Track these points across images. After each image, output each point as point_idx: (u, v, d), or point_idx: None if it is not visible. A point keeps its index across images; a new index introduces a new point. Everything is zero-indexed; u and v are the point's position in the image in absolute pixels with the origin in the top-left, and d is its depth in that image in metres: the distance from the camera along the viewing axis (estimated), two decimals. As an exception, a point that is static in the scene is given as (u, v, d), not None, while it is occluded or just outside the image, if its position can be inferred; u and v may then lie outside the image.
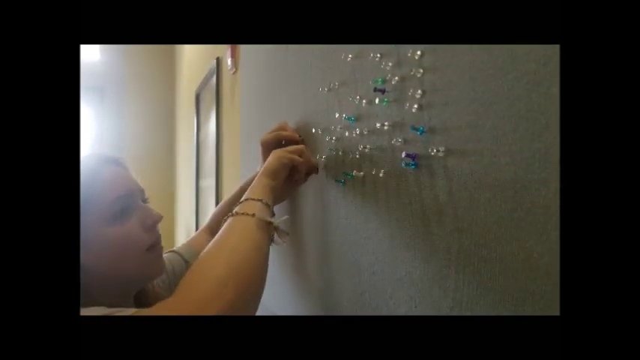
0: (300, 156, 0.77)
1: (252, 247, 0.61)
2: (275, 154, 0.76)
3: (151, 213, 0.65)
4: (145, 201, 0.67)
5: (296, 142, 0.85)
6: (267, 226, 0.64)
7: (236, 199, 0.90)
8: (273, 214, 0.69)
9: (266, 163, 0.76)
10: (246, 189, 0.75)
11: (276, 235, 0.65)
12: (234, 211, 0.66)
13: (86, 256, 0.59)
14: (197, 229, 2.48)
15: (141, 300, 0.68)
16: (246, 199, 0.68)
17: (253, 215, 0.63)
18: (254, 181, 0.73)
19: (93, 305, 0.54)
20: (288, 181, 0.80)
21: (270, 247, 0.65)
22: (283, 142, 0.85)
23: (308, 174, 0.82)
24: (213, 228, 0.93)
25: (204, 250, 0.60)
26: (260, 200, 0.67)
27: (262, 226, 0.63)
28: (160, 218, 0.65)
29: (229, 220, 0.64)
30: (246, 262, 0.58)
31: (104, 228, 0.60)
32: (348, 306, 0.69)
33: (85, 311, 0.52)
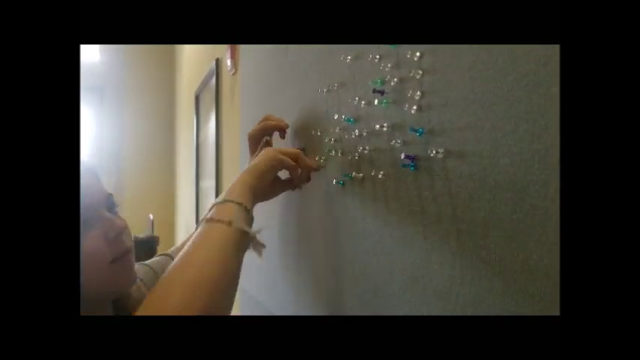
0: (295, 161, 0.74)
1: (226, 258, 0.59)
2: (266, 153, 0.72)
3: (114, 223, 0.59)
4: (112, 207, 0.61)
5: (283, 130, 0.85)
6: (243, 236, 0.62)
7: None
8: (251, 219, 0.66)
9: (255, 160, 0.72)
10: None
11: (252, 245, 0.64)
12: (209, 214, 0.63)
13: None
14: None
15: (120, 305, 0.65)
16: (224, 201, 0.65)
17: (230, 224, 0.61)
18: (237, 178, 0.70)
19: None
20: (279, 182, 0.78)
21: (274, 248, 0.65)
22: (280, 138, 0.84)
23: (303, 180, 0.80)
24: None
25: (176, 260, 0.59)
26: (239, 204, 0.64)
27: (238, 237, 0.61)
28: (123, 228, 0.59)
29: (205, 225, 0.62)
30: (218, 273, 0.57)
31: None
32: (347, 307, 0.69)
33: None
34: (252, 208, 0.67)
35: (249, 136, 0.84)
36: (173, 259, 0.85)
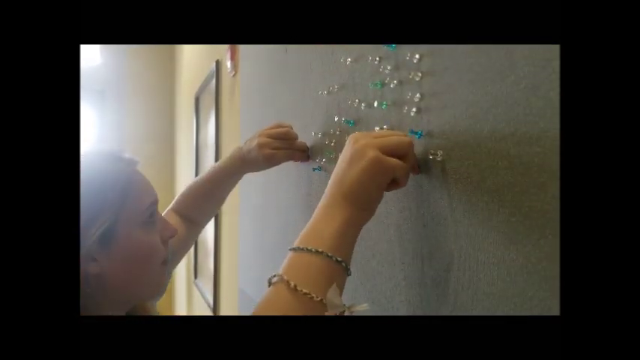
0: (403, 157, 0.49)
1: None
2: (367, 158, 0.46)
3: (169, 226, 0.61)
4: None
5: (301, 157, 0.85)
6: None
7: (209, 183, 0.87)
8: (349, 273, 0.47)
9: (351, 183, 0.47)
10: (225, 171, 0.72)
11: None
12: (282, 270, 0.45)
13: (110, 263, 0.53)
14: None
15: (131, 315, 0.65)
16: (308, 249, 0.45)
17: (321, 301, 0.43)
18: (325, 205, 0.48)
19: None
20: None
21: (273, 248, 0.62)
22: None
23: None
24: (182, 212, 0.90)
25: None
26: (338, 262, 0.45)
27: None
28: (175, 232, 0.61)
29: (281, 293, 0.44)
30: None
31: (136, 231, 0.56)
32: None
33: None
34: (350, 255, 0.48)
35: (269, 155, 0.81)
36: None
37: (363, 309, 0.45)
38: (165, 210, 0.90)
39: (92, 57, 3.22)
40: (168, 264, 0.61)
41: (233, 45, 1.58)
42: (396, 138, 0.48)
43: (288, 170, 0.93)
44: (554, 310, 0.35)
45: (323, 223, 0.47)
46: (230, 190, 0.92)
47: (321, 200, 0.49)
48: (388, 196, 0.58)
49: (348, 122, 0.67)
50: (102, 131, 3.92)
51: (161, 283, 0.60)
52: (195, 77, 2.65)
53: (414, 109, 0.52)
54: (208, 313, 2.05)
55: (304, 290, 0.43)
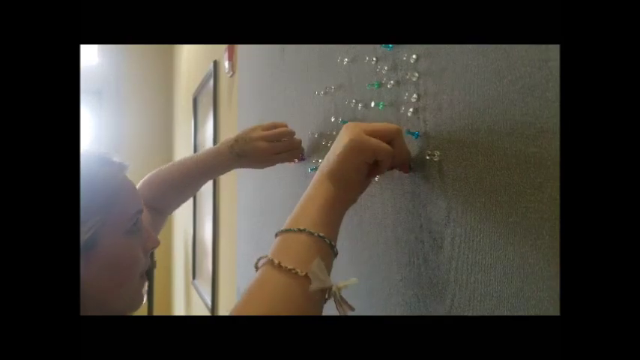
0: (390, 142, 0.49)
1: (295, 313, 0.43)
2: (350, 136, 0.48)
3: (152, 236, 0.58)
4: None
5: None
6: (322, 293, 0.44)
7: (186, 177, 0.82)
8: (335, 254, 0.47)
9: (335, 152, 0.48)
10: (209, 166, 0.71)
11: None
12: (271, 253, 0.45)
13: (89, 269, 0.51)
14: (194, 233, 2.47)
15: None
16: (296, 229, 0.45)
17: (306, 275, 0.42)
18: (310, 185, 0.50)
19: None
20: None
21: (266, 247, 0.59)
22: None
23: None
24: (148, 201, 0.78)
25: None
26: (321, 237, 0.45)
27: (316, 294, 0.43)
28: (158, 244, 0.58)
29: (267, 272, 0.44)
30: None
31: (120, 238, 0.53)
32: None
33: None
34: (336, 235, 0.48)
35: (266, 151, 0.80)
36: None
37: (352, 283, 0.45)
38: None
39: (89, 56, 3.22)
40: (145, 277, 0.58)
41: (231, 45, 1.58)
42: (384, 123, 0.49)
43: (286, 171, 0.92)
44: (552, 310, 0.35)
45: (306, 202, 0.48)
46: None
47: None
48: (385, 197, 0.58)
49: (345, 123, 0.67)
50: (99, 131, 3.91)
51: (139, 295, 0.57)
52: (193, 77, 2.65)
53: (411, 110, 0.52)
54: (206, 313, 2.05)
55: (289, 266, 0.42)
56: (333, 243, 0.46)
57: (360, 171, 0.48)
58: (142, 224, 0.57)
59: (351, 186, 0.48)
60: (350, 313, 0.46)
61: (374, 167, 0.49)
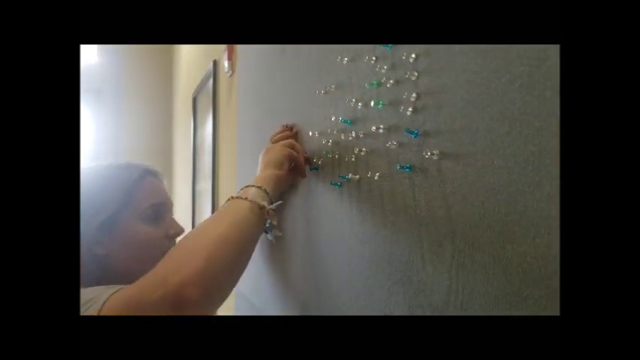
0: (292, 149, 0.81)
1: (236, 225, 0.63)
2: (275, 148, 0.80)
3: (176, 224, 0.77)
4: (171, 212, 0.79)
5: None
6: (258, 210, 0.67)
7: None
8: (271, 201, 0.71)
9: (268, 156, 0.78)
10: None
11: (270, 225, 0.69)
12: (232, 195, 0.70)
13: (113, 246, 0.71)
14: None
15: None
16: (246, 186, 0.72)
17: (246, 199, 0.67)
18: (259, 172, 0.77)
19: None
20: (291, 172, 0.82)
21: (267, 246, 0.66)
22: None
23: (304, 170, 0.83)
24: None
25: (195, 228, 0.65)
26: (259, 187, 0.71)
27: (254, 209, 0.67)
28: (182, 231, 0.74)
29: (225, 203, 0.68)
30: (224, 237, 0.60)
31: (138, 224, 0.73)
32: (344, 308, 0.69)
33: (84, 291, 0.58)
34: (273, 193, 0.73)
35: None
36: None
37: (277, 204, 0.71)
38: None
39: (89, 56, 3.22)
40: None
41: (230, 45, 1.58)
42: (286, 140, 0.84)
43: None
44: (550, 309, 0.35)
45: (256, 177, 0.77)
46: None
47: None
48: (385, 195, 0.58)
49: (345, 122, 0.67)
50: (98, 130, 3.91)
51: None
52: (193, 77, 2.65)
53: (410, 109, 0.52)
54: (205, 313, 2.04)
55: (241, 197, 0.68)
56: (267, 190, 0.72)
57: (288, 159, 0.80)
58: (165, 215, 0.77)
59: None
60: (278, 234, 0.75)
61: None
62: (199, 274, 0.54)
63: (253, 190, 0.70)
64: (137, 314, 0.52)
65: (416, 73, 0.51)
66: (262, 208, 0.67)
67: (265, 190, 0.71)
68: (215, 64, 1.92)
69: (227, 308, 1.64)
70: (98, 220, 0.70)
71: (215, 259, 0.57)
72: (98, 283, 0.63)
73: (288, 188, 0.88)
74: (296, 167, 0.81)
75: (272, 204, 0.71)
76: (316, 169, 0.79)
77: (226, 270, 0.60)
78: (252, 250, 0.67)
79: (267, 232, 0.71)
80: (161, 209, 0.77)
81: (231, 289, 0.63)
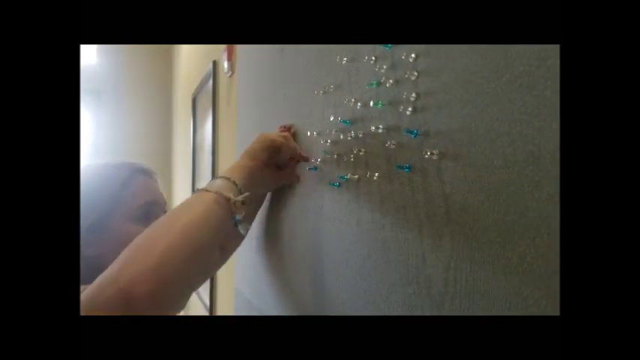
0: (287, 142, 0.79)
1: (199, 217, 0.60)
2: (257, 137, 0.78)
3: None
4: (165, 212, 0.76)
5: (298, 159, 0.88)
6: (225, 202, 0.64)
7: None
8: (239, 193, 0.68)
9: (247, 146, 0.77)
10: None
11: (238, 217, 0.65)
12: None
13: (104, 247, 0.69)
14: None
15: None
16: (214, 178, 0.70)
17: (215, 192, 0.65)
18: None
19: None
20: (279, 172, 0.82)
21: (267, 246, 0.65)
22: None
23: (293, 160, 0.83)
24: None
25: (160, 219, 0.61)
26: (227, 178, 0.68)
27: (219, 201, 0.63)
28: None
29: (192, 195, 0.66)
30: (185, 229, 0.57)
31: (129, 224, 0.71)
32: (342, 308, 0.69)
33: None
34: (243, 184, 0.70)
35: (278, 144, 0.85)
36: None
37: (244, 195, 0.67)
38: None
39: (88, 56, 3.21)
40: None
41: (230, 45, 1.58)
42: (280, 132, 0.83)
43: (285, 170, 0.92)
44: (549, 309, 0.35)
45: (228, 168, 0.74)
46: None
47: None
48: (384, 196, 0.58)
49: (344, 122, 0.67)
50: (97, 131, 3.90)
51: None
52: (193, 77, 2.65)
53: (409, 109, 0.52)
54: (204, 313, 2.05)
55: (208, 189, 0.65)
56: (236, 181, 0.69)
57: (264, 149, 0.77)
58: (157, 214, 0.74)
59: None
60: (247, 227, 0.69)
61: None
62: (151, 270, 0.50)
63: (219, 181, 0.68)
64: (90, 314, 0.49)
65: (415, 73, 0.51)
66: (228, 200, 0.64)
67: (234, 182, 0.68)
68: (215, 64, 1.92)
69: (227, 308, 1.64)
70: (87, 221, 0.69)
71: (172, 254, 0.53)
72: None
73: (273, 185, 0.86)
74: (286, 166, 0.80)
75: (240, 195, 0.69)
76: (314, 169, 0.79)
77: (185, 265, 0.55)
78: (217, 244, 0.64)
79: (236, 225, 0.65)
80: (153, 208, 0.75)
81: (190, 286, 0.59)
